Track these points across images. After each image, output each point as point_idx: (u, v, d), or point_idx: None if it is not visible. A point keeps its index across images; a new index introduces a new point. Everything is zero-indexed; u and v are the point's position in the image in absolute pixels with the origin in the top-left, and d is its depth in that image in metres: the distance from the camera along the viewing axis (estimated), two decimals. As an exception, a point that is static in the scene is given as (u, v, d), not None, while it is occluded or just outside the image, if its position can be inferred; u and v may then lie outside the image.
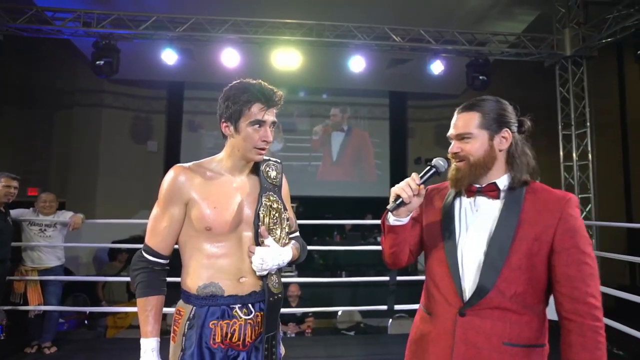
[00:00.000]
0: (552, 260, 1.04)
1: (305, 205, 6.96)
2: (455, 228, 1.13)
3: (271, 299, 1.23)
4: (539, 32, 4.98)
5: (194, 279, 1.22)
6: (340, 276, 5.06)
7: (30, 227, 3.49)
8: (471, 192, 1.13)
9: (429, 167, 1.15)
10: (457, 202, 1.16)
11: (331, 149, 7.50)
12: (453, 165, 1.15)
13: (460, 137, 1.12)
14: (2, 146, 6.48)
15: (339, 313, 5.03)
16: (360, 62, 4.83)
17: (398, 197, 1.09)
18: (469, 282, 1.08)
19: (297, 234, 1.43)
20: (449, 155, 1.15)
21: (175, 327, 1.24)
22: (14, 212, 3.40)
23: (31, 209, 3.57)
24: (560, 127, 4.92)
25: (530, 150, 1.14)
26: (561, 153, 4.90)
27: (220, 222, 1.20)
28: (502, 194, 1.11)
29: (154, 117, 7.23)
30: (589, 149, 4.72)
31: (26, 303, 3.40)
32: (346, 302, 5.11)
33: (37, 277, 3.45)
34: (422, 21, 4.84)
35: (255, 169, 1.31)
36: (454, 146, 1.13)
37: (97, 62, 4.44)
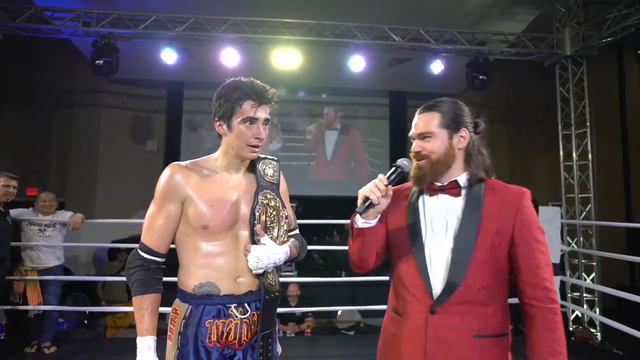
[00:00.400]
0: (513, 251, 1.11)
1: (305, 205, 6.96)
2: (421, 227, 1.16)
3: (267, 297, 1.22)
4: (539, 32, 4.97)
5: (190, 277, 1.22)
6: (340, 276, 5.06)
7: (29, 226, 3.49)
8: (434, 191, 1.17)
9: (394, 168, 1.16)
10: (420, 202, 1.19)
11: (325, 148, 7.48)
12: (415, 164, 1.19)
13: (422, 136, 1.17)
14: (2, 146, 6.48)
15: (339, 313, 5.03)
16: (360, 61, 4.82)
17: (366, 199, 1.10)
18: (438, 280, 1.11)
19: (297, 231, 1.42)
20: (411, 155, 1.20)
21: (171, 326, 1.24)
22: (13, 212, 3.40)
23: (30, 208, 3.57)
24: (560, 127, 4.92)
25: (485, 150, 1.20)
26: (561, 153, 4.89)
27: (216, 220, 1.20)
28: (463, 191, 1.16)
29: (153, 116, 7.22)
30: (589, 148, 4.71)
31: (26, 303, 3.39)
32: (346, 301, 5.11)
33: (36, 277, 3.45)
34: (422, 21, 4.83)
35: (252, 167, 1.31)
36: (416, 145, 1.18)
37: (97, 62, 4.43)
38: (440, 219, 1.15)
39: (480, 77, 4.89)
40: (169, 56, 4.71)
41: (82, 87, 6.71)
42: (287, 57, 4.82)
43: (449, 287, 1.09)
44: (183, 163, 1.27)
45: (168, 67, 5.04)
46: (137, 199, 6.29)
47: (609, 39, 4.47)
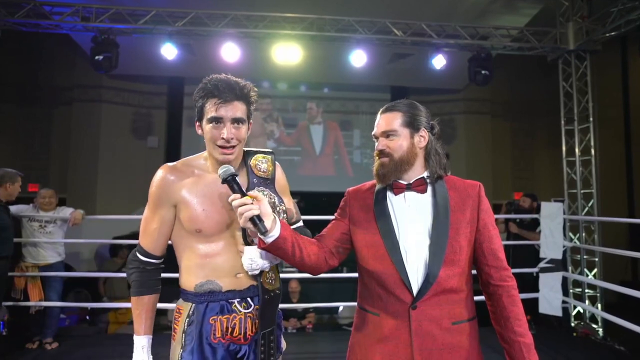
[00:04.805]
0: (477, 237, 1.19)
1: (306, 201, 6.94)
2: (393, 226, 1.18)
3: (266, 296, 1.21)
4: (542, 26, 4.92)
5: (190, 278, 1.22)
6: (341, 272, 5.05)
7: (30, 223, 3.49)
8: (399, 189, 1.21)
9: (228, 180, 1.11)
10: (388, 201, 1.22)
11: (313, 143, 7.44)
12: (378, 161, 1.22)
13: (386, 134, 1.21)
14: (2, 142, 6.47)
15: (340, 309, 5.04)
16: (361, 56, 4.78)
17: (254, 219, 1.07)
18: (416, 276, 1.14)
19: (300, 224, 1.38)
20: (375, 153, 1.24)
21: (175, 326, 1.24)
22: (13, 208, 3.41)
23: (31, 205, 3.57)
24: (562, 122, 4.88)
25: (441, 149, 1.25)
26: (564, 148, 4.86)
27: (210, 224, 1.19)
28: (428, 188, 1.21)
29: (154, 112, 7.20)
30: (592, 144, 4.68)
31: (27, 299, 3.40)
32: (347, 297, 5.10)
33: (37, 273, 3.45)
34: (423, 15, 4.79)
35: (244, 164, 1.27)
36: (380, 144, 1.22)
37: (96, 57, 4.41)
38: (412, 216, 1.18)
39: (483, 72, 4.84)
40: (169, 51, 4.68)
41: (82, 83, 6.69)
42: (287, 52, 4.78)
43: (428, 281, 1.13)
44: (175, 164, 1.25)
45: (168, 62, 5.01)
46: (138, 195, 6.27)
47: (613, 33, 4.42)
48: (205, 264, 1.20)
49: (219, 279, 1.20)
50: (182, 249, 1.24)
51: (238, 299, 1.20)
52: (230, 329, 1.18)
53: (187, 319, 1.20)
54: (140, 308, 1.23)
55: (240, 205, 1.07)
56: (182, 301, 1.25)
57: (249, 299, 1.21)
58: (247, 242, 1.20)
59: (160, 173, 1.23)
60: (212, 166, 1.24)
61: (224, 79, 1.17)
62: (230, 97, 1.15)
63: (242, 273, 1.21)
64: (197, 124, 1.22)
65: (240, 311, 1.20)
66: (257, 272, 1.19)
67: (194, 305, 1.20)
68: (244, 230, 1.19)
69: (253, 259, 1.16)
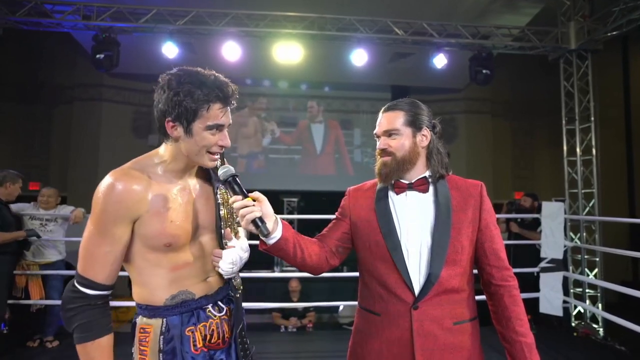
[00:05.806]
0: (479, 237, 1.18)
1: (306, 200, 6.94)
2: (394, 225, 1.17)
3: (237, 295, 1.20)
4: (543, 26, 4.91)
5: (157, 292, 1.08)
6: (342, 271, 5.06)
7: (31, 221, 3.50)
8: (401, 189, 1.20)
9: (229, 181, 1.08)
10: (390, 200, 1.21)
11: (314, 142, 7.43)
12: (380, 160, 1.21)
13: (388, 133, 1.20)
14: (3, 141, 6.48)
15: (341, 308, 5.04)
16: (362, 55, 4.78)
17: (255, 220, 1.06)
18: (418, 276, 1.14)
19: None
20: (377, 152, 1.23)
21: (142, 348, 1.08)
22: (14, 207, 3.42)
23: (32, 203, 3.58)
24: (564, 121, 4.87)
25: (442, 148, 1.24)
26: (564, 148, 4.85)
27: (180, 236, 1.07)
28: (430, 188, 1.20)
29: (154, 111, 7.20)
30: (593, 143, 4.67)
31: (28, 297, 3.40)
32: (347, 296, 5.11)
33: (38, 272, 3.45)
34: (425, 14, 4.78)
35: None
36: (382, 143, 1.21)
37: (97, 56, 4.40)
38: (413, 215, 1.17)
39: (484, 71, 4.84)
40: (170, 50, 4.67)
41: (83, 82, 6.69)
42: (288, 51, 4.78)
43: (430, 281, 1.12)
44: (129, 171, 1.05)
45: (169, 61, 5.00)
46: (139, 194, 6.28)
47: (615, 33, 4.41)
48: (176, 277, 1.09)
49: (192, 287, 1.11)
50: (143, 266, 1.08)
51: (211, 304, 1.14)
52: (209, 336, 1.12)
53: (162, 337, 1.07)
54: (96, 355, 1.01)
55: (242, 207, 1.04)
56: (145, 319, 1.09)
57: (219, 302, 1.17)
58: (222, 246, 1.16)
59: (110, 181, 1.01)
60: (175, 170, 1.10)
61: (221, 78, 1.06)
62: (232, 101, 1.06)
63: (211, 276, 1.16)
64: (173, 124, 1.03)
65: (215, 315, 1.14)
66: (234, 274, 1.16)
67: (165, 319, 1.07)
68: (219, 233, 1.16)
69: (234, 261, 1.12)
